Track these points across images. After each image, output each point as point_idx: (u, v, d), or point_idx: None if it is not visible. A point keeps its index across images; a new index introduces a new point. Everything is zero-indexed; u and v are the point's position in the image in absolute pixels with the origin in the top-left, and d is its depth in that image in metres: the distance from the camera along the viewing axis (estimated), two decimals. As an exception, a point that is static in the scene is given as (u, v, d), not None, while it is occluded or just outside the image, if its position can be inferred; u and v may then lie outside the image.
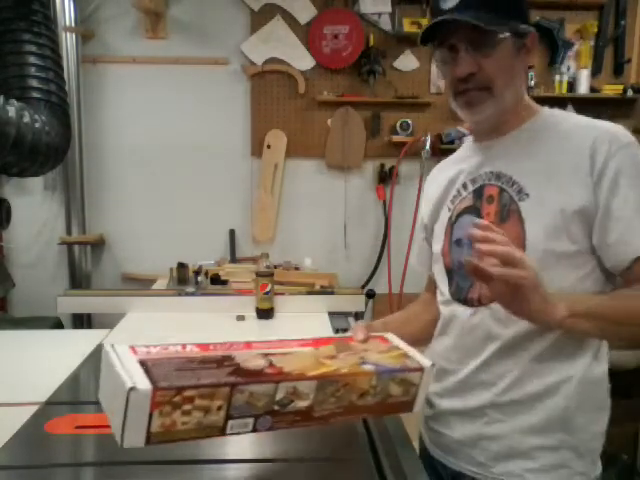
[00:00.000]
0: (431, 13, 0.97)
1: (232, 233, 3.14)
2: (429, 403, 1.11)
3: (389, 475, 0.87)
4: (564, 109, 1.07)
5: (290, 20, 3.01)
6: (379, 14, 3.00)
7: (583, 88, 3.01)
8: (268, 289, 1.84)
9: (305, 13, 3.01)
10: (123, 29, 3.01)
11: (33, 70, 1.81)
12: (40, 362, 1.40)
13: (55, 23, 2.71)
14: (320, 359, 0.80)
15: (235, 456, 0.86)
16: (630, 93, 2.98)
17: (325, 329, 1.74)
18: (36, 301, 2.76)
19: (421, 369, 0.83)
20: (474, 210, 1.03)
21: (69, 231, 3.04)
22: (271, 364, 0.75)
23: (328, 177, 3.16)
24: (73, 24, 2.87)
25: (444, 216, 1.09)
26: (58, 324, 2.42)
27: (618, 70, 3.11)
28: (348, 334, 0.94)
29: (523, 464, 0.97)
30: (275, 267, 2.22)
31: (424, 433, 1.14)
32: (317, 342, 0.86)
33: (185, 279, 2.34)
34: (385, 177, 3.13)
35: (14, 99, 1.72)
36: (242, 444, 0.85)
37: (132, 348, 0.73)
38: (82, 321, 2.84)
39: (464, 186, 1.06)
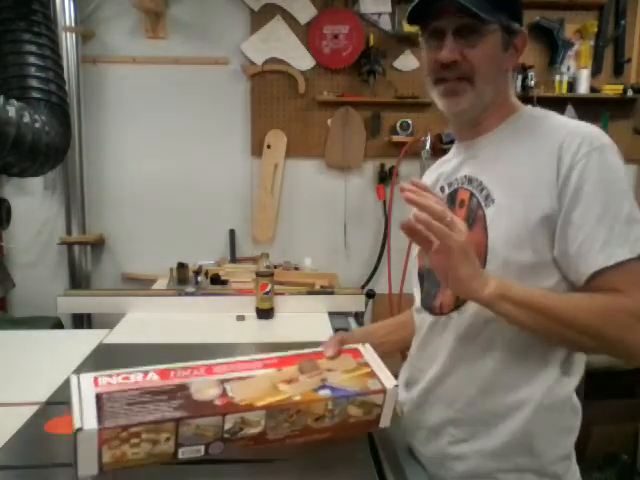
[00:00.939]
0: None
1: (232, 233, 3.14)
2: (401, 413, 1.09)
3: (389, 475, 0.87)
4: (564, 109, 1.05)
5: (290, 20, 3.01)
6: (379, 14, 3.00)
7: (583, 88, 3.01)
8: (268, 289, 1.84)
9: (305, 13, 3.01)
10: (123, 29, 3.00)
11: (33, 70, 1.82)
12: (40, 362, 1.40)
13: (55, 23, 2.71)
14: (277, 384, 0.82)
15: (235, 456, 0.86)
16: (630, 93, 2.98)
17: (325, 329, 1.74)
18: (36, 301, 2.76)
19: (383, 391, 0.84)
20: None
21: (69, 231, 3.04)
22: (224, 393, 0.78)
23: (328, 177, 3.16)
24: (73, 24, 2.87)
25: None
26: (58, 324, 2.43)
27: (618, 70, 3.10)
28: (319, 349, 0.92)
29: None
30: (275, 267, 2.22)
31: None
32: (282, 361, 0.87)
33: (185, 279, 2.34)
34: (385, 177, 3.12)
35: (14, 99, 1.72)
36: (242, 444, 0.85)
37: (95, 379, 0.77)
38: (82, 321, 2.83)
39: (441, 189, 1.04)
